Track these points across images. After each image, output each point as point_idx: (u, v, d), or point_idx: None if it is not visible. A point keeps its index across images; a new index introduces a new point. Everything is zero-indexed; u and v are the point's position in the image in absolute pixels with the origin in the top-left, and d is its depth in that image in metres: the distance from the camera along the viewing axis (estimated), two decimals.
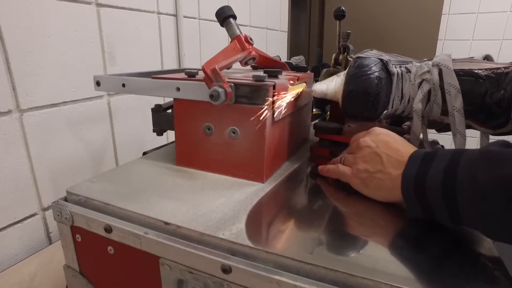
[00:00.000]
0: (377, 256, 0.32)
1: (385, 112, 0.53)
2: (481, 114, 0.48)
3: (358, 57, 0.51)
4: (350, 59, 0.58)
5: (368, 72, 0.49)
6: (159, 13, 0.91)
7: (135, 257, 0.40)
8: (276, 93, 0.46)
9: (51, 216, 0.70)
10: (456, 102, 0.47)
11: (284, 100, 0.49)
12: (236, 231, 0.36)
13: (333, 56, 0.64)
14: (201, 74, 0.52)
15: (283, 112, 0.49)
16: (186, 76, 0.50)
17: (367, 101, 0.50)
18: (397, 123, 0.63)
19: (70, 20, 0.68)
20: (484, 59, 0.51)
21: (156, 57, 0.93)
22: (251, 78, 0.46)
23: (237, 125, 0.47)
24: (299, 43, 2.24)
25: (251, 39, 0.57)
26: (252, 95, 0.45)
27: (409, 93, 0.51)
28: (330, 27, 2.33)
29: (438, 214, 0.35)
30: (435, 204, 0.34)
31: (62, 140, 0.70)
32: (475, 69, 0.47)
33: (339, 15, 0.61)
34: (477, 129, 0.50)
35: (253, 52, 0.56)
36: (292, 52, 2.08)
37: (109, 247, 0.42)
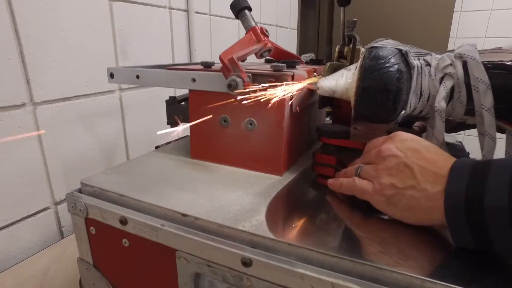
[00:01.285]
0: (406, 252, 0.31)
1: (403, 112, 0.45)
2: None
3: (373, 47, 0.43)
4: (362, 50, 0.46)
5: (387, 65, 0.41)
6: (170, 8, 0.91)
7: (150, 250, 0.39)
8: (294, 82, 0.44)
9: (63, 210, 0.70)
10: (485, 100, 0.40)
11: (298, 90, 0.47)
12: (256, 223, 0.34)
13: (337, 48, 0.54)
14: (217, 65, 0.51)
15: (299, 103, 0.48)
16: (202, 67, 0.49)
17: (386, 100, 0.41)
18: (407, 124, 0.55)
19: (83, 13, 0.68)
20: None
21: (167, 52, 0.93)
22: (268, 69, 0.45)
23: (254, 116, 0.46)
24: (308, 41, 2.22)
25: (266, 31, 0.56)
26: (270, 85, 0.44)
27: (428, 89, 0.43)
28: (339, 25, 2.31)
29: (500, 244, 0.27)
30: (497, 231, 0.27)
31: (74, 134, 0.70)
32: (507, 61, 0.40)
33: (343, 1, 0.53)
34: (509, 130, 0.44)
35: (268, 44, 0.55)
36: (301, 50, 2.06)
37: (124, 240, 0.41)
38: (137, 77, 0.52)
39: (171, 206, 0.38)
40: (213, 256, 0.34)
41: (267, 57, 0.59)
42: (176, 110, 0.54)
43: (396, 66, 0.41)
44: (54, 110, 0.65)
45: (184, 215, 0.36)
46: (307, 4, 2.04)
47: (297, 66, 0.49)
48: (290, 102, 0.45)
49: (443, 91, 0.42)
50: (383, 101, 0.41)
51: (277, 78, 0.43)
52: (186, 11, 0.97)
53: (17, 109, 0.59)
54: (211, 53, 1.11)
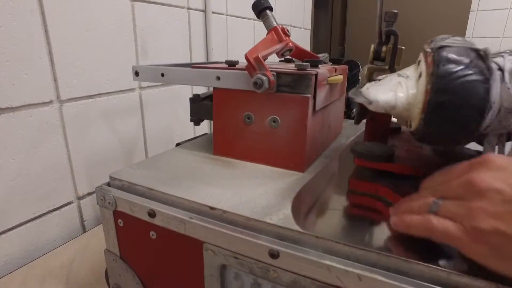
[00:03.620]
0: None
1: None
2: None
3: (442, 47, 0.33)
4: (428, 50, 0.33)
5: (469, 72, 0.31)
6: (189, 8, 0.92)
7: (178, 242, 0.40)
8: (318, 82, 0.45)
9: (85, 205, 0.72)
10: None
11: (324, 89, 0.48)
12: (283, 217, 0.35)
13: (372, 48, 0.46)
14: (241, 64, 0.52)
15: (321, 101, 0.49)
16: (227, 65, 0.50)
17: (467, 120, 0.32)
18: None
19: (108, 14, 0.70)
20: None
21: (185, 51, 0.94)
22: (292, 68, 0.46)
23: (278, 114, 0.47)
24: (320, 41, 2.22)
25: (287, 30, 0.57)
26: (294, 84, 0.45)
27: (500, 99, 0.32)
28: (351, 26, 2.31)
29: None
30: None
31: (96, 131, 0.72)
32: None
33: None
34: None
35: (290, 43, 0.56)
36: (314, 50, 2.06)
37: (152, 232, 0.42)
38: (162, 75, 0.53)
39: (199, 199, 0.39)
40: (240, 248, 0.35)
41: (287, 57, 0.60)
42: (200, 108, 0.55)
43: (480, 75, 0.31)
44: (79, 107, 0.67)
45: (212, 208, 0.38)
46: (319, 5, 2.04)
47: (320, 66, 0.50)
48: (313, 100, 0.45)
49: None
50: (463, 120, 0.32)
51: (301, 76, 0.44)
52: (204, 11, 0.98)
53: (45, 106, 0.61)
54: (227, 52, 1.12)
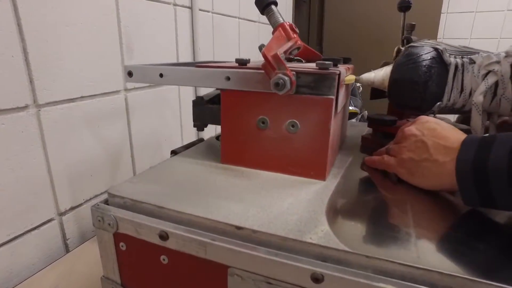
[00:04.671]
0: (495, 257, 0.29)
1: (438, 104, 0.49)
2: None
3: (409, 46, 0.49)
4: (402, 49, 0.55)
5: (417, 61, 0.47)
6: (175, 4, 0.86)
7: (195, 267, 0.35)
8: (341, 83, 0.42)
9: (68, 221, 0.64)
10: None
11: (342, 90, 0.45)
12: (322, 234, 0.31)
13: (395, 49, 0.60)
14: (252, 63, 0.48)
15: (341, 102, 0.45)
16: (237, 64, 0.45)
17: (412, 90, 0.48)
18: (463, 121, 0.60)
19: (89, 8, 0.63)
20: None
21: (171, 50, 0.88)
22: (312, 67, 0.42)
23: (297, 117, 0.42)
24: None
25: (295, 27, 0.53)
26: (316, 84, 0.41)
27: (470, 85, 0.48)
28: (329, 25, 2.32)
29: (501, 201, 0.32)
30: (499, 190, 0.32)
31: (79, 138, 0.64)
32: None
33: (404, 7, 0.59)
34: None
35: (298, 41, 0.52)
36: None
37: (163, 257, 0.37)
38: (161, 75, 0.47)
39: (222, 218, 0.34)
40: (275, 272, 0.31)
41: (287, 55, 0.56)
42: (205, 112, 0.50)
43: (426, 62, 0.47)
44: (59, 112, 0.60)
45: (238, 227, 0.33)
46: (297, 5, 2.03)
47: (339, 65, 0.47)
48: (335, 102, 0.42)
49: (483, 87, 0.46)
50: (410, 91, 0.48)
51: (324, 76, 0.40)
52: (190, 8, 0.92)
53: (20, 112, 0.54)
54: (213, 51, 1.07)
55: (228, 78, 0.44)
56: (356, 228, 0.33)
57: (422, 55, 0.48)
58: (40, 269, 0.58)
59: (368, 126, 0.59)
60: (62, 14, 0.58)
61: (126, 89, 0.74)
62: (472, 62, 0.48)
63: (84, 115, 0.65)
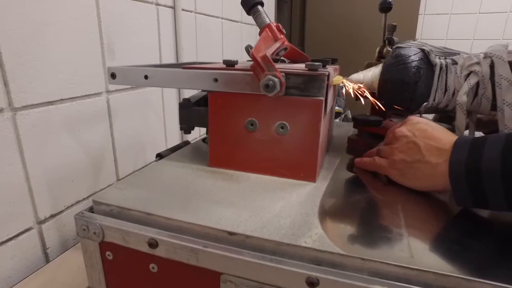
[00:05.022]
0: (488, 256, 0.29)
1: (425, 104, 0.50)
2: None
3: (397, 47, 0.49)
4: (390, 50, 0.55)
5: (406, 62, 0.47)
6: (157, 4, 0.84)
7: (186, 275, 0.34)
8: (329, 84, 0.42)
9: (48, 229, 0.62)
10: (507, 95, 0.44)
11: (331, 90, 0.45)
12: (317, 238, 0.31)
13: (377, 49, 0.61)
14: (240, 64, 0.47)
15: (330, 103, 0.45)
16: (224, 65, 0.44)
17: (402, 91, 0.48)
18: (447, 120, 0.61)
19: (69, 7, 0.60)
20: None
21: (154, 51, 0.86)
22: (302, 68, 0.42)
23: (286, 119, 0.42)
24: None
25: (282, 28, 0.53)
26: (305, 85, 0.41)
27: (453, 85, 0.48)
28: (311, 26, 2.34)
29: (494, 201, 0.33)
30: (492, 190, 0.32)
31: (58, 142, 0.62)
32: None
33: (385, 8, 0.59)
34: None
35: (285, 42, 0.52)
36: None
37: (152, 265, 0.36)
38: (146, 77, 0.46)
39: (214, 223, 0.33)
40: (270, 277, 0.30)
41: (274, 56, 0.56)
42: (191, 114, 0.49)
43: (414, 63, 0.47)
44: (36, 116, 0.57)
45: (231, 233, 0.32)
46: (278, 6, 2.04)
47: (327, 66, 0.47)
48: (324, 103, 0.42)
49: (466, 87, 0.46)
50: (400, 92, 0.48)
51: (313, 77, 0.40)
52: (173, 8, 0.90)
53: None
54: (197, 52, 1.06)
55: (216, 80, 0.43)
56: (349, 230, 0.33)
57: (410, 56, 0.48)
58: (17, 282, 0.55)
59: (354, 127, 0.59)
60: (40, 13, 0.55)
61: (108, 91, 0.71)
62: (455, 63, 0.48)
63: (64, 118, 0.62)
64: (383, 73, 0.50)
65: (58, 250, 0.64)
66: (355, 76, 0.53)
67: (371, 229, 0.34)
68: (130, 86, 0.77)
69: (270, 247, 0.31)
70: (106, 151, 0.73)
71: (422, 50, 0.49)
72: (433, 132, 0.39)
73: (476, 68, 0.46)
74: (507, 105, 0.44)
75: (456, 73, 0.48)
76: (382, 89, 0.50)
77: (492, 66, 0.45)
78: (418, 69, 0.47)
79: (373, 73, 0.52)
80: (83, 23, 0.64)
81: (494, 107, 0.46)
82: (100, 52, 0.68)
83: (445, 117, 0.62)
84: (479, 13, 2.08)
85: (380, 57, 0.60)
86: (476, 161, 0.33)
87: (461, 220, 0.37)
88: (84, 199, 0.69)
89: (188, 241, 0.33)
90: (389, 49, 0.60)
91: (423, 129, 0.40)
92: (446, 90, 0.49)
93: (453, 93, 0.49)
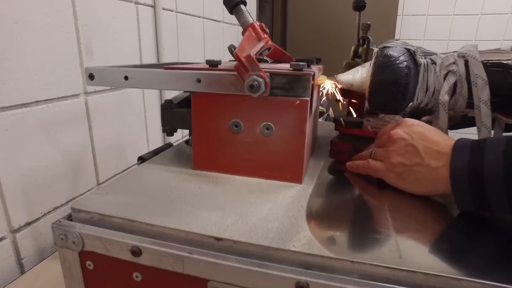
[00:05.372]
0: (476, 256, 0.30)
1: (410, 104, 0.51)
2: (510, 105, 0.46)
3: (385, 47, 0.49)
4: (375, 49, 0.54)
5: (397, 62, 0.47)
6: (136, 3, 0.82)
7: (172, 283, 0.33)
8: (314, 83, 0.41)
9: (23, 238, 0.59)
10: (483, 94, 0.45)
11: (315, 91, 0.45)
12: (306, 241, 0.31)
13: (352, 48, 0.60)
14: (223, 64, 0.46)
15: (315, 104, 0.45)
16: (208, 65, 0.43)
17: (396, 92, 0.47)
18: (415, 117, 0.62)
19: (41, 3, 0.57)
20: None
21: (134, 51, 0.84)
22: (286, 68, 0.41)
23: (272, 120, 0.41)
24: None
25: (266, 27, 0.52)
26: (290, 86, 0.40)
27: (434, 85, 0.49)
28: (292, 25, 2.35)
29: (496, 205, 0.33)
30: (494, 194, 0.32)
31: (34, 146, 0.59)
32: (504, 60, 0.46)
33: (359, 6, 0.58)
34: (505, 122, 0.49)
35: (269, 41, 0.51)
36: None
37: (135, 274, 0.34)
38: (126, 78, 0.44)
39: (199, 229, 0.32)
40: (259, 283, 0.30)
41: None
42: (174, 116, 0.47)
43: (405, 63, 0.47)
44: (10, 119, 0.54)
45: (218, 239, 0.31)
46: (260, 5, 2.03)
47: (312, 65, 0.46)
48: (310, 104, 0.41)
49: (446, 86, 0.47)
50: (393, 93, 0.47)
51: (298, 77, 0.40)
52: (153, 7, 0.88)
53: None
54: (178, 52, 1.04)
55: (198, 81, 0.42)
56: (337, 232, 0.33)
57: (400, 56, 0.48)
58: None
59: (336, 129, 0.56)
60: (11, 10, 0.52)
61: (86, 93, 0.69)
62: (433, 62, 0.49)
63: (39, 121, 0.59)
64: (375, 74, 0.48)
65: (35, 260, 0.61)
66: (344, 77, 0.52)
67: (359, 231, 0.33)
68: (110, 87, 0.75)
69: (258, 252, 0.30)
70: (85, 154, 0.71)
71: (408, 50, 0.49)
72: (430, 135, 0.39)
73: (454, 67, 0.47)
74: (483, 103, 0.46)
75: (436, 72, 0.49)
76: (375, 90, 0.49)
77: (466, 66, 0.47)
78: (409, 70, 0.47)
79: (361, 73, 0.51)
80: (58, 21, 0.61)
81: (469, 105, 0.48)
82: (77, 52, 0.66)
83: (412, 115, 0.60)
84: (454, 15, 2.15)
85: (355, 56, 0.59)
86: (478, 164, 0.33)
87: (449, 219, 0.37)
88: (62, 205, 0.66)
89: (173, 248, 0.32)
90: (376, 48, 0.59)
91: (419, 131, 0.40)
92: (427, 89, 0.50)
93: (433, 92, 0.50)
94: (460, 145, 0.36)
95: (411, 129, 0.40)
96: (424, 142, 0.38)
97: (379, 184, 0.43)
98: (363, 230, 0.33)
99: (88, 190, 0.72)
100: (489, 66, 0.46)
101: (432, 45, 2.22)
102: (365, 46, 0.58)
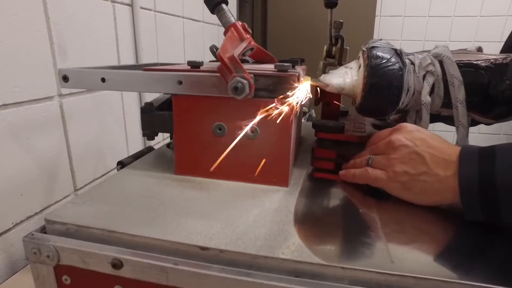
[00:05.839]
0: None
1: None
2: (483, 105, 0.47)
3: (373, 47, 0.46)
4: (363, 48, 0.48)
5: (390, 64, 0.45)
6: (113, 1, 0.79)
7: None
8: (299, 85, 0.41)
9: None
10: (459, 93, 0.46)
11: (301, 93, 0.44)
12: (295, 248, 0.30)
13: (325, 48, 0.56)
14: (205, 65, 0.44)
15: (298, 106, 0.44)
16: (189, 67, 0.42)
17: (391, 95, 0.45)
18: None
19: (9, 0, 0.54)
20: (477, 51, 0.51)
21: (112, 51, 0.81)
22: (271, 69, 0.40)
23: (257, 123, 0.40)
24: None
25: (248, 27, 0.51)
26: (275, 87, 0.39)
27: (414, 85, 0.48)
28: (273, 26, 2.35)
29: (508, 215, 0.31)
30: (507, 204, 0.31)
31: (4, 153, 0.55)
32: (474, 60, 0.47)
33: (331, 3, 0.55)
34: (478, 121, 0.50)
35: (252, 41, 0.50)
36: None
37: (116, 287, 0.32)
38: (103, 80, 0.42)
39: (184, 238, 0.31)
40: None
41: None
42: (154, 119, 0.45)
43: (397, 65, 0.45)
44: None
45: (203, 248, 0.30)
46: (240, 6, 2.02)
47: (297, 66, 0.46)
48: (294, 105, 0.41)
49: (427, 87, 0.47)
50: (388, 96, 0.45)
51: (283, 79, 0.39)
52: (131, 5, 0.85)
53: None
54: (157, 52, 1.01)
55: (180, 82, 0.40)
56: (326, 237, 0.32)
57: (391, 57, 0.45)
58: None
59: (316, 134, 0.50)
60: None
61: (60, 95, 0.65)
62: (412, 63, 0.48)
63: (8, 125, 0.56)
64: (369, 76, 0.44)
65: (5, 273, 0.57)
66: (335, 81, 0.47)
67: (349, 235, 0.33)
68: (86, 89, 0.72)
69: (246, 261, 0.29)
70: (61, 159, 0.67)
71: (395, 50, 0.47)
72: (434, 141, 0.37)
73: (432, 68, 0.47)
74: (459, 103, 0.46)
75: (416, 73, 0.48)
76: (369, 94, 0.45)
77: (441, 66, 0.47)
78: (402, 71, 0.45)
79: (352, 76, 0.48)
80: (28, 19, 0.58)
81: (444, 104, 0.48)
82: (50, 52, 0.63)
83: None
84: (429, 16, 2.21)
85: (329, 56, 0.55)
86: (489, 174, 0.32)
87: (438, 221, 0.37)
88: (36, 213, 0.63)
89: (157, 259, 0.30)
90: (364, 48, 0.54)
91: (421, 138, 0.38)
92: (408, 90, 0.49)
93: (413, 93, 0.48)
94: (467, 153, 0.34)
95: (413, 135, 0.38)
96: (429, 150, 0.36)
97: (373, 195, 0.40)
98: (353, 235, 0.33)
99: (65, 197, 0.68)
100: (461, 67, 0.46)
101: (409, 45, 2.28)
102: (338, 45, 0.55)
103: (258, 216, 0.35)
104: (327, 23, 0.55)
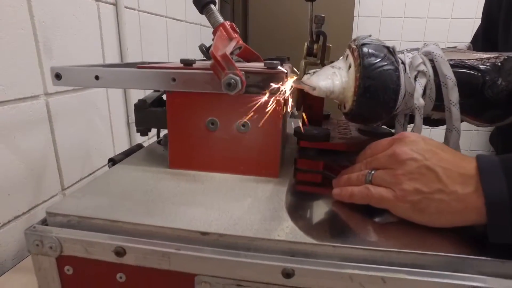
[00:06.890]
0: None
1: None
2: (477, 107, 0.43)
3: (364, 44, 0.40)
4: (353, 46, 0.42)
5: (385, 63, 0.39)
6: (97, 0, 0.79)
7: (158, 281, 0.33)
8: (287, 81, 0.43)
9: None
10: (452, 95, 0.41)
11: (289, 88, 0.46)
12: (289, 230, 0.32)
13: (305, 45, 0.50)
14: (197, 63, 0.46)
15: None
16: (182, 64, 0.43)
17: (387, 99, 0.39)
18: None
19: None
20: (468, 49, 0.46)
21: (97, 50, 0.81)
22: (260, 67, 0.43)
23: (248, 117, 0.43)
24: None
25: (236, 27, 0.53)
26: (264, 83, 0.42)
27: (405, 87, 0.41)
28: (254, 25, 2.37)
29: None
30: None
31: None
32: (466, 59, 0.42)
33: None
34: (471, 124, 0.45)
35: (240, 41, 0.52)
36: None
37: (119, 275, 0.34)
38: (96, 78, 0.43)
39: (185, 225, 0.33)
40: (246, 273, 0.31)
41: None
42: (148, 115, 0.47)
43: (393, 64, 0.40)
44: None
45: (204, 233, 0.32)
46: (221, 6, 2.03)
47: (284, 64, 0.48)
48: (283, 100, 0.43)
49: (419, 89, 0.41)
50: (384, 100, 0.39)
51: (272, 76, 0.41)
52: (115, 4, 0.86)
53: None
54: (142, 52, 1.01)
55: (174, 79, 0.42)
56: (317, 221, 0.35)
57: (385, 56, 0.40)
58: None
59: (298, 142, 0.46)
60: None
61: (46, 94, 0.65)
62: (402, 62, 0.42)
63: None
64: (362, 78, 0.39)
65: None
66: (323, 83, 0.41)
67: (337, 218, 0.36)
68: (72, 88, 0.71)
69: (244, 244, 0.31)
70: (47, 159, 0.67)
71: (387, 48, 0.41)
72: (444, 153, 0.33)
73: (424, 68, 0.42)
74: (453, 105, 0.41)
75: (407, 73, 0.41)
76: (362, 98, 0.39)
77: (433, 66, 0.42)
78: (398, 71, 0.40)
79: (341, 77, 0.42)
80: (11, 17, 0.57)
81: (435, 107, 0.43)
82: (35, 50, 0.62)
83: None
84: (405, 17, 2.30)
85: (309, 54, 0.50)
86: None
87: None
88: (24, 213, 0.62)
89: (159, 245, 0.32)
90: (353, 45, 0.44)
91: (429, 149, 0.33)
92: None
93: (404, 95, 0.42)
94: (487, 165, 0.30)
95: (419, 146, 0.33)
96: (441, 163, 0.32)
97: (373, 216, 0.35)
98: (341, 218, 0.36)
99: (52, 196, 0.68)
100: (452, 66, 0.41)
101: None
102: (320, 43, 0.49)
103: (252, 204, 0.37)
104: (308, 19, 0.49)
